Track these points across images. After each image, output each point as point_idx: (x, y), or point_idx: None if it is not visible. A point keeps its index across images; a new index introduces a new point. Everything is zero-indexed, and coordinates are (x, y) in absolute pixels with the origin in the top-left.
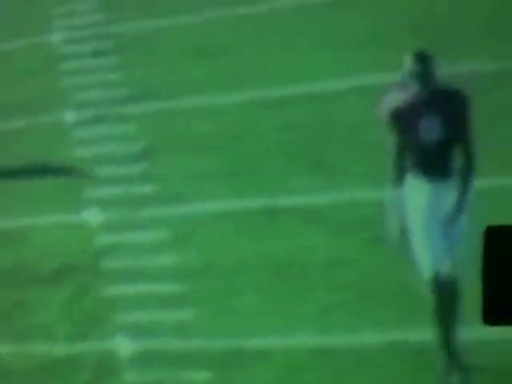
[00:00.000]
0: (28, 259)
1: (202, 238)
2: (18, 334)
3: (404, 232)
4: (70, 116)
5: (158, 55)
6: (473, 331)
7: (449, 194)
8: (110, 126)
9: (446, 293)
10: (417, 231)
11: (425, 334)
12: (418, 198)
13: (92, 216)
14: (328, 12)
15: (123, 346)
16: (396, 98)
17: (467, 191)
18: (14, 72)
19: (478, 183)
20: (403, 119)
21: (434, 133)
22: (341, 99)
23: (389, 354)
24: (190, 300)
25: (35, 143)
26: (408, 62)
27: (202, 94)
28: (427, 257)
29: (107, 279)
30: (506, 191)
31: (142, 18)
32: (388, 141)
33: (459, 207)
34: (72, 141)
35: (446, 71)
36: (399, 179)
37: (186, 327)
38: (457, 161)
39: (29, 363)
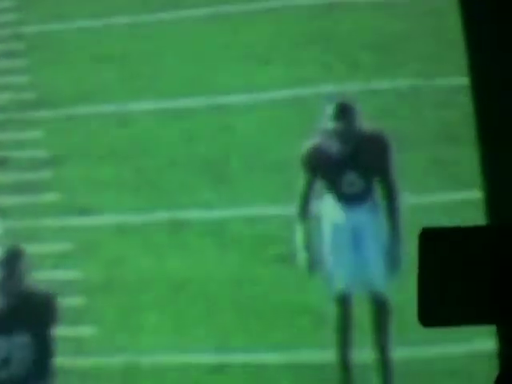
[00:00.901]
0: None
1: (105, 251)
2: None
3: (313, 265)
4: None
5: (67, 59)
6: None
7: (363, 215)
8: (16, 132)
9: (349, 309)
10: (332, 249)
11: (321, 354)
12: (332, 219)
13: None
14: (236, 24)
15: None
16: (318, 148)
17: (397, 220)
18: None
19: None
20: (324, 171)
21: (356, 187)
22: (248, 113)
23: (284, 373)
24: (89, 315)
25: None
26: (331, 113)
27: (110, 101)
28: (339, 276)
29: None
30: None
31: (54, 19)
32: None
33: (395, 235)
34: None
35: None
36: (306, 214)
37: (84, 343)
38: (376, 192)
39: None
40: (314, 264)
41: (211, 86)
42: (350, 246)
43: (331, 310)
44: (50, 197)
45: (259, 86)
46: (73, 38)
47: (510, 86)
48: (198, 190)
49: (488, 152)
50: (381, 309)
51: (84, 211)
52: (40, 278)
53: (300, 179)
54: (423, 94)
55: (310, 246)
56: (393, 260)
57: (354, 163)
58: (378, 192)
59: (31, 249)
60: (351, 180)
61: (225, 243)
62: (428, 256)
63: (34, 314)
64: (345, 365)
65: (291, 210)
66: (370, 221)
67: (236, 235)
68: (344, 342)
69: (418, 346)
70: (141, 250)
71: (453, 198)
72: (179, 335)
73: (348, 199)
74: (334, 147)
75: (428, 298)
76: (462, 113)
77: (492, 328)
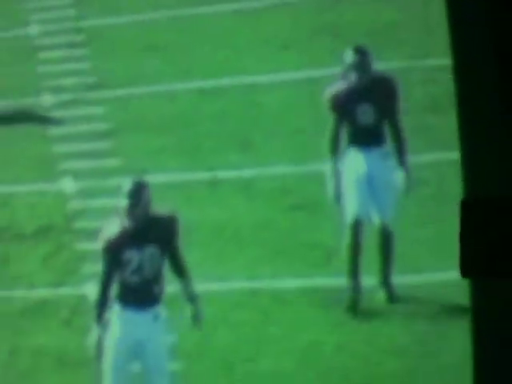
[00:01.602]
0: (11, 221)
1: (156, 205)
2: (3, 284)
3: (338, 195)
4: (46, 99)
5: (120, 48)
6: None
7: (377, 160)
8: (80, 109)
9: (360, 235)
10: (350, 189)
11: (331, 280)
12: (353, 164)
13: (66, 185)
14: (259, 16)
15: (92, 292)
16: (338, 87)
17: (405, 156)
18: None
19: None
20: (343, 104)
21: (369, 117)
22: (270, 91)
23: (301, 297)
24: None
25: (11, 120)
26: (349, 55)
27: (157, 82)
28: (354, 206)
29: (79, 237)
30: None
31: (106, 15)
32: (315, 123)
33: (406, 169)
34: (48, 121)
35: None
36: (335, 152)
37: None
38: (387, 135)
39: (14, 305)
40: (338, 194)
41: (239, 69)
42: (365, 184)
43: (341, 243)
44: (111, 162)
45: (279, 69)
46: (125, 30)
47: (487, 63)
48: (230, 154)
49: (465, 120)
50: (386, 238)
51: (140, 171)
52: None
53: (329, 121)
54: (413, 72)
55: (337, 178)
56: (406, 185)
57: (367, 95)
58: (387, 136)
59: (97, 203)
60: (365, 109)
61: (252, 196)
62: (469, 223)
63: (159, 231)
64: (355, 284)
65: (305, 168)
66: (383, 165)
67: (260, 189)
68: (354, 263)
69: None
70: (185, 202)
71: (437, 157)
72: (218, 268)
73: (363, 142)
74: (352, 78)
75: (469, 253)
76: (445, 88)
77: None
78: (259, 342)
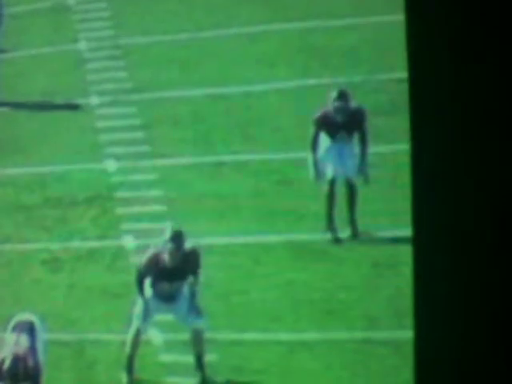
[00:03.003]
0: (67, 192)
1: (173, 183)
2: (63, 237)
3: (318, 177)
4: (93, 100)
5: (149, 61)
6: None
7: (346, 145)
8: (119, 108)
9: (335, 188)
10: (325, 160)
11: (312, 235)
12: (327, 146)
13: (109, 165)
14: (254, 39)
15: (128, 242)
16: (326, 112)
17: (365, 153)
18: (50, 69)
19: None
20: (326, 127)
21: (344, 138)
22: (261, 97)
23: (280, 246)
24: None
25: (67, 116)
26: (334, 95)
27: (176, 88)
28: (329, 170)
29: (119, 203)
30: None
31: (139, 35)
32: (296, 122)
33: (364, 160)
34: (95, 116)
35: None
36: (314, 150)
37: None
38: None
39: (71, 253)
40: (318, 176)
41: (239, 79)
42: (337, 156)
43: (321, 193)
44: (143, 148)
45: (269, 80)
46: (153, 47)
47: (441, 76)
48: (232, 143)
49: (415, 121)
50: (351, 188)
51: (165, 156)
52: (139, 195)
53: (310, 130)
54: (367, 83)
55: (316, 165)
56: (363, 172)
57: (345, 125)
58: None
59: (132, 179)
60: (342, 134)
61: (247, 174)
62: None
63: (187, 267)
64: (330, 227)
65: (287, 155)
66: (350, 148)
67: (254, 169)
68: (331, 209)
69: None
70: (198, 178)
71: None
72: (220, 226)
73: (338, 141)
74: (335, 116)
75: None
76: (391, 96)
77: None
78: (250, 279)
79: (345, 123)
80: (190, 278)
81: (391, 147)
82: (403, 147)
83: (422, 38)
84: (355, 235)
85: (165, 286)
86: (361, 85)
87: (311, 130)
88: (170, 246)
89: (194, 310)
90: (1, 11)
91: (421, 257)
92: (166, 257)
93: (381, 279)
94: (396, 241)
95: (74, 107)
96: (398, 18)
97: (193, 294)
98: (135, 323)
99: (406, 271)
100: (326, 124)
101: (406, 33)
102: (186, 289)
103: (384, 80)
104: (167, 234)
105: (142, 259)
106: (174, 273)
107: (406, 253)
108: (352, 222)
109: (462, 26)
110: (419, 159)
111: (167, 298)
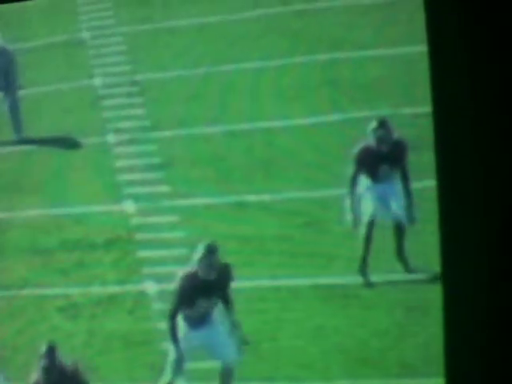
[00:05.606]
0: (86, 234)
1: (202, 221)
2: (81, 282)
3: (355, 223)
4: (110, 138)
5: (167, 98)
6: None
7: (388, 186)
8: (137, 146)
9: (373, 233)
10: (365, 199)
11: (331, 279)
12: (368, 187)
13: (128, 206)
14: (275, 73)
15: (150, 287)
16: (366, 146)
17: (410, 192)
18: (65, 106)
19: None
20: (366, 163)
21: (385, 174)
22: (283, 133)
23: (309, 290)
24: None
25: (83, 156)
26: (373, 124)
27: (195, 126)
28: (369, 211)
29: (139, 246)
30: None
31: (156, 70)
32: (319, 159)
33: (410, 200)
34: (113, 155)
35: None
36: (352, 192)
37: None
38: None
39: (90, 299)
40: (356, 222)
41: (259, 115)
42: (379, 196)
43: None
44: (162, 188)
45: (290, 115)
46: (171, 83)
47: (464, 108)
48: (254, 182)
49: (441, 156)
50: (399, 225)
51: (185, 196)
52: (160, 237)
53: (349, 168)
54: (395, 118)
55: (354, 210)
56: (409, 215)
57: (387, 159)
58: (397, 177)
59: (152, 220)
60: (384, 168)
61: (271, 215)
62: None
63: (219, 282)
64: (362, 271)
65: (312, 194)
66: (393, 186)
67: (278, 210)
68: (366, 254)
69: None
70: (219, 220)
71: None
72: (247, 271)
73: (381, 179)
74: (378, 147)
75: None
76: (420, 131)
77: None
78: (278, 325)
79: (388, 155)
80: (226, 307)
81: (419, 184)
82: (430, 183)
83: (445, 69)
84: (408, 270)
85: (200, 305)
86: (388, 119)
87: (350, 168)
88: (204, 260)
89: (232, 342)
90: (10, 57)
91: (450, 299)
92: (200, 273)
93: (414, 324)
94: (428, 282)
95: (90, 146)
96: (421, 49)
97: (233, 324)
98: (167, 376)
99: (439, 315)
100: (367, 158)
101: (430, 64)
102: (216, 313)
103: (409, 114)
104: (200, 252)
105: (175, 284)
106: (209, 288)
107: (438, 296)
108: (403, 259)
109: (481, 56)
110: (446, 196)
111: (198, 322)
